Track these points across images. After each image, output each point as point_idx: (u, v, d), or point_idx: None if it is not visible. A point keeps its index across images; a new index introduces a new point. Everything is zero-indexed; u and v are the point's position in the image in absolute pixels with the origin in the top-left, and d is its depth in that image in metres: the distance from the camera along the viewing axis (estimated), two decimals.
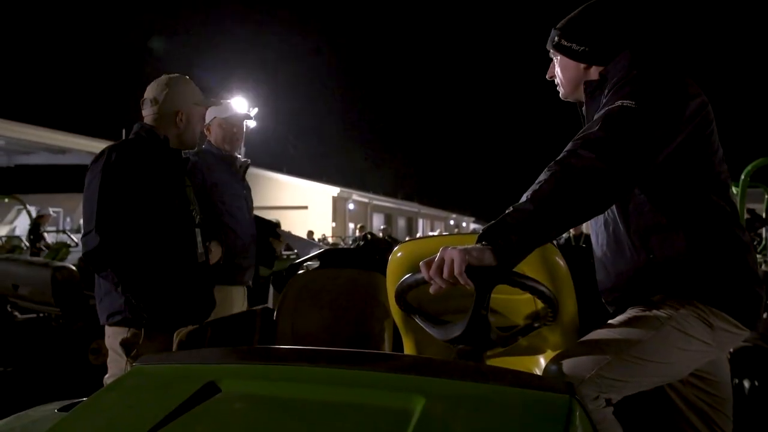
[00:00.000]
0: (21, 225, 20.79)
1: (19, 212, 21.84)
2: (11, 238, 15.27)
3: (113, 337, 2.51)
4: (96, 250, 2.40)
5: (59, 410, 1.57)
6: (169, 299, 2.54)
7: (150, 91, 2.71)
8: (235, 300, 3.41)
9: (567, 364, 1.54)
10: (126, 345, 2.48)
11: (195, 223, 2.75)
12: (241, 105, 19.60)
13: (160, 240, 2.55)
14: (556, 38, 1.86)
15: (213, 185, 3.34)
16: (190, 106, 2.73)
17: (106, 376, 2.54)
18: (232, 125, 3.51)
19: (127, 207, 2.46)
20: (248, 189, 3.65)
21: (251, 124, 21.47)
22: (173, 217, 2.62)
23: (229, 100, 3.71)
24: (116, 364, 2.49)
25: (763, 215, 8.56)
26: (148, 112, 2.70)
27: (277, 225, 3.78)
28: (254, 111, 21.36)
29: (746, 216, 7.87)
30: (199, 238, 2.75)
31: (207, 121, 3.51)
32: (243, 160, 3.65)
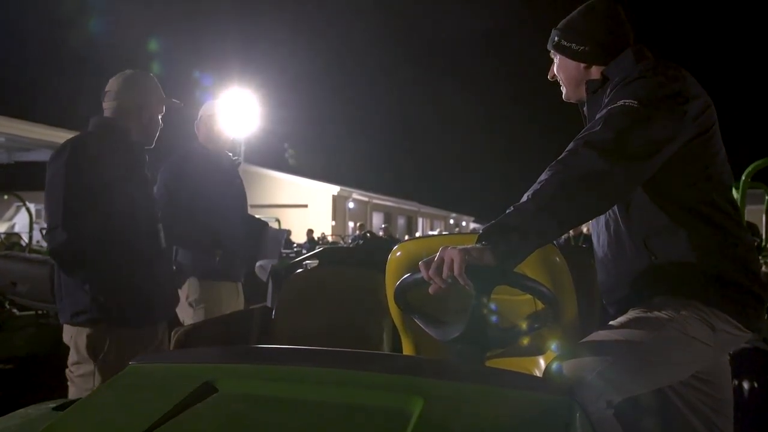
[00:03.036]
0: (20, 222, 20.78)
1: (18, 209, 21.84)
2: (10, 235, 15.25)
3: (77, 336, 2.46)
4: (63, 246, 2.35)
5: (55, 409, 1.55)
6: (134, 297, 2.49)
7: (113, 84, 2.65)
8: (225, 296, 3.38)
9: (567, 366, 1.53)
10: (93, 345, 2.43)
11: (157, 219, 2.70)
12: (238, 99, 19.56)
13: (124, 236, 2.49)
14: (556, 38, 1.86)
15: (199, 184, 3.33)
16: (153, 104, 2.68)
17: (78, 373, 2.48)
18: (213, 123, 3.50)
19: (93, 202, 2.40)
20: (239, 187, 3.64)
21: (252, 124, 21.41)
22: (136, 212, 2.57)
23: (214, 99, 3.70)
24: (84, 366, 2.45)
25: (764, 217, 8.54)
26: (109, 105, 2.64)
27: (266, 224, 3.75)
28: (255, 110, 21.34)
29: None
30: (161, 234, 2.70)
31: (196, 120, 3.53)
32: (234, 158, 3.65)
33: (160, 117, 2.73)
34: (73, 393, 2.48)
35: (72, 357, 2.51)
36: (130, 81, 2.65)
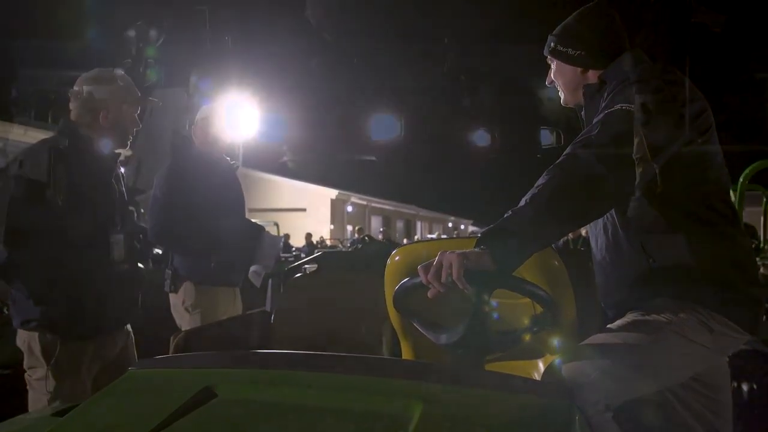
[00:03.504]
0: None
1: None
2: None
3: (30, 340, 2.43)
4: (4, 264, 2.31)
5: (53, 415, 1.55)
6: (80, 312, 2.43)
7: (77, 84, 2.55)
8: (221, 301, 3.36)
9: (566, 369, 1.54)
10: (46, 349, 2.40)
11: (116, 228, 2.58)
12: (237, 103, 19.55)
13: (73, 248, 2.40)
14: (553, 44, 1.87)
15: (195, 188, 3.32)
16: (117, 105, 2.55)
17: (36, 377, 2.44)
18: (209, 127, 3.49)
19: (38, 217, 2.33)
20: (237, 191, 3.62)
21: (251, 128, 21.33)
22: (90, 222, 2.47)
23: (209, 103, 3.68)
24: (40, 370, 2.41)
25: (762, 219, 8.55)
26: (74, 107, 2.54)
27: (262, 228, 3.73)
28: (254, 114, 21.30)
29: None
30: (119, 244, 2.57)
31: (193, 124, 3.52)
32: (232, 162, 3.64)
33: (136, 116, 2.62)
34: (32, 397, 2.45)
35: (27, 361, 2.46)
36: (94, 80, 2.54)
